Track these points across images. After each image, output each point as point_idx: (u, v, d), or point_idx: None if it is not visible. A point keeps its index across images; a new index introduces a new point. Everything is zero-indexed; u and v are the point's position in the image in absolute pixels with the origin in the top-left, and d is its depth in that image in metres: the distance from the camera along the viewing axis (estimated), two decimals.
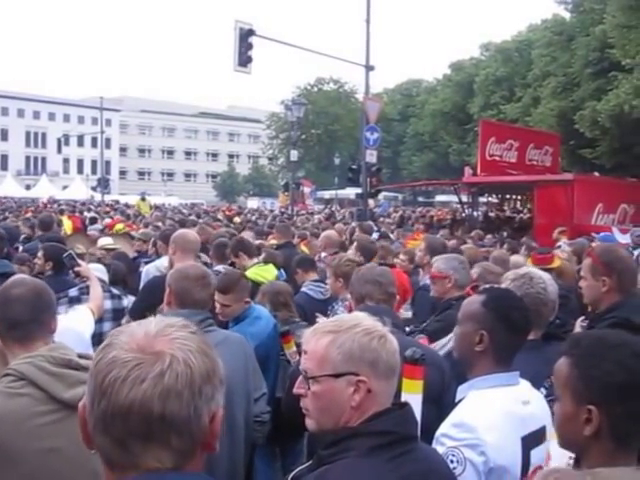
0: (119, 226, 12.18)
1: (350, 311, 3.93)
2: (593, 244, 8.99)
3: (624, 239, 14.05)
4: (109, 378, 1.22)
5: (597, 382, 1.84)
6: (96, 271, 5.61)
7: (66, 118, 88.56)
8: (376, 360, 1.93)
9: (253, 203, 54.18)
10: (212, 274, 3.97)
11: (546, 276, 3.70)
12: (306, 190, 38.89)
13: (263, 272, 6.42)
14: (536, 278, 3.58)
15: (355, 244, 7.25)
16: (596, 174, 24.21)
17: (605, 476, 0.91)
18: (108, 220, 16.54)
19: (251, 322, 4.60)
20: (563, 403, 1.92)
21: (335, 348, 1.94)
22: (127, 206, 32.22)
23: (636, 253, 11.08)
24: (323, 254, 8.21)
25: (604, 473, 0.92)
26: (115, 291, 5.77)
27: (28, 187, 63.14)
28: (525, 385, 2.71)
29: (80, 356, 2.43)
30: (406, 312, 5.76)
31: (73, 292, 5.29)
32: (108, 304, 5.46)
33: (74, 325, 4.03)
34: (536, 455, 2.54)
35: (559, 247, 9.79)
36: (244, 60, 20.29)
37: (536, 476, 0.97)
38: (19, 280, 2.82)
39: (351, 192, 33.66)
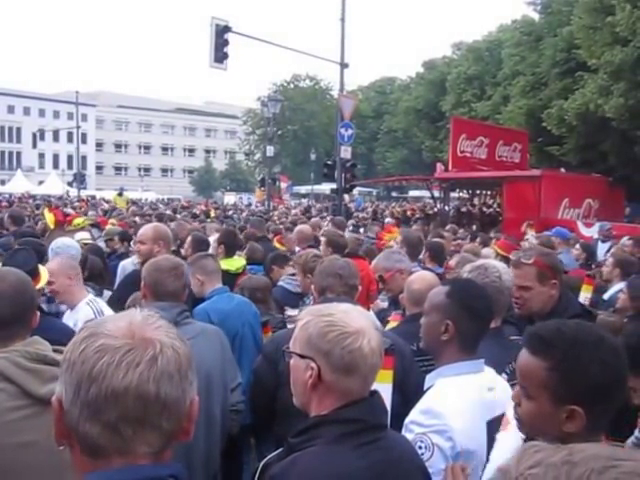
0: (78, 220, 12.18)
1: (314, 304, 3.89)
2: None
3: (589, 232, 14.62)
4: (100, 364, 1.23)
5: (582, 385, 1.86)
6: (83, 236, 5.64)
7: (41, 113, 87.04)
8: (329, 352, 1.96)
9: (230, 198, 54.10)
10: (185, 265, 3.97)
11: (500, 265, 3.77)
12: (282, 185, 39.12)
13: (232, 261, 6.52)
14: (490, 268, 3.65)
15: (324, 239, 7.23)
16: (563, 170, 24.65)
17: (580, 449, 0.91)
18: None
19: (217, 300, 4.67)
20: (539, 403, 1.93)
21: (303, 330, 2.04)
22: (105, 201, 32.33)
23: (605, 246, 11.66)
24: (297, 249, 8.17)
25: (579, 447, 0.92)
26: (92, 292, 5.36)
27: (3, 182, 62.34)
28: (490, 372, 2.79)
29: (55, 350, 2.36)
30: (382, 302, 5.79)
31: None
32: None
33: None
34: None
35: (527, 240, 10.29)
36: (220, 56, 20.27)
37: (516, 450, 0.95)
38: (1, 275, 2.66)
39: (326, 187, 33.74)
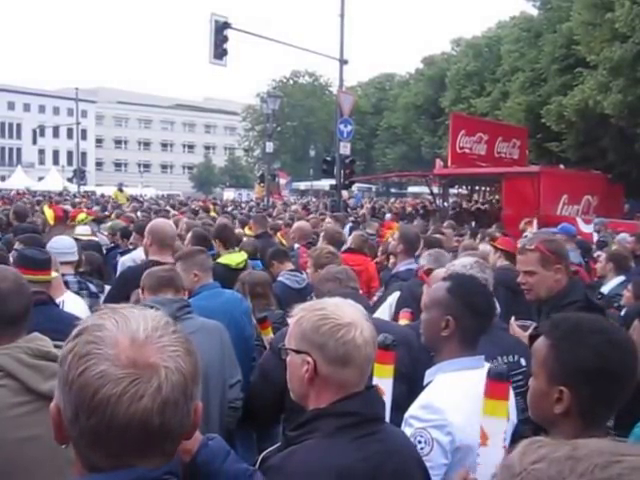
0: (82, 216, 12.23)
1: None
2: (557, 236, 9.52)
3: (587, 229, 14.64)
4: (101, 394, 1.17)
5: (570, 365, 1.94)
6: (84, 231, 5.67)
7: (41, 109, 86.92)
8: (324, 345, 1.97)
9: (229, 194, 54.14)
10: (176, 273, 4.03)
11: (461, 262, 3.71)
12: (282, 181, 39.09)
13: (232, 256, 6.43)
14: (467, 265, 3.64)
15: (322, 234, 7.30)
16: (562, 167, 24.69)
17: (583, 444, 0.91)
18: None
19: (204, 297, 4.58)
20: (538, 380, 2.03)
21: (297, 326, 2.06)
22: (103, 197, 32.37)
23: (597, 237, 11.74)
24: (296, 245, 8.20)
25: (582, 442, 0.92)
26: (92, 288, 5.54)
27: (3, 178, 62.24)
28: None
29: (57, 346, 2.33)
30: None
31: None
32: (86, 302, 5.18)
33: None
34: None
35: (525, 237, 10.29)
36: (219, 53, 20.35)
37: (518, 445, 0.98)
38: (1, 274, 2.61)
39: (326, 183, 33.87)
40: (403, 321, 4.30)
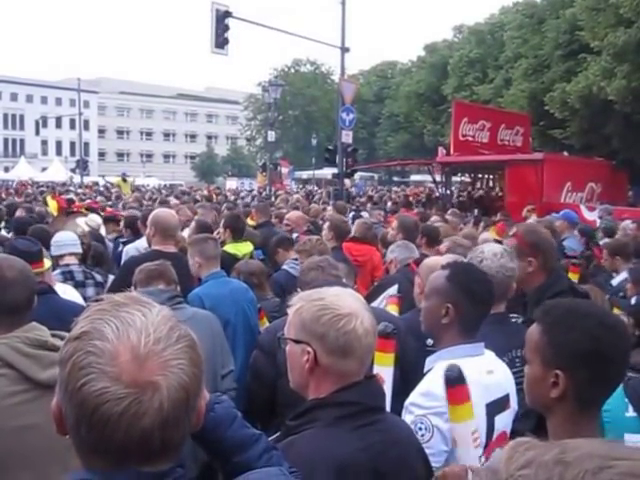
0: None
1: None
2: (557, 222, 9.53)
3: (591, 216, 14.62)
4: (101, 412, 1.13)
5: (565, 349, 1.95)
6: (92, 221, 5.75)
7: (44, 100, 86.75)
8: (324, 335, 1.96)
9: (232, 183, 54.13)
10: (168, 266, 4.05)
11: (490, 249, 3.59)
12: (284, 170, 39.08)
13: (239, 246, 6.53)
14: (476, 251, 3.62)
15: (327, 224, 7.19)
16: (565, 154, 24.59)
17: (573, 447, 0.86)
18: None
19: (212, 285, 4.69)
20: (532, 366, 2.04)
21: (297, 316, 2.04)
22: (106, 188, 32.32)
23: (598, 222, 11.70)
24: (295, 234, 8.02)
25: (572, 444, 0.87)
26: (98, 278, 5.58)
27: (7, 169, 62.10)
28: (490, 355, 2.80)
29: (54, 335, 2.38)
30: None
31: (57, 276, 5.12)
32: (91, 292, 5.33)
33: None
34: (500, 421, 2.70)
35: None
36: (221, 42, 20.33)
37: (506, 446, 0.93)
38: (7, 262, 2.64)
39: (328, 172, 33.72)
40: (391, 306, 4.33)
